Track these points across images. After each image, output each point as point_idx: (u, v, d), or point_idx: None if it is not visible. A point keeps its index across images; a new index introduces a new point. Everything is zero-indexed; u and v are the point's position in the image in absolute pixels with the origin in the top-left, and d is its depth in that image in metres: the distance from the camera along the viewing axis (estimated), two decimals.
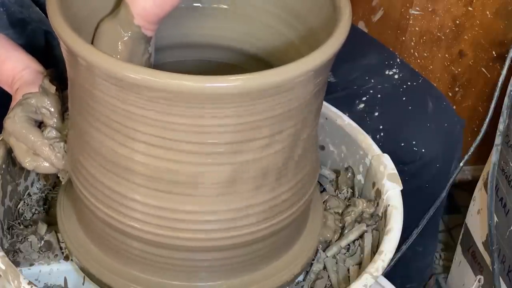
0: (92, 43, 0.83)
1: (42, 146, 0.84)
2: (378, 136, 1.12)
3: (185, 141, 0.71)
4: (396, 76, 1.17)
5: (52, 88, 0.87)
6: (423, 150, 1.13)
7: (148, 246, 0.79)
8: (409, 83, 1.17)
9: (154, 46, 0.86)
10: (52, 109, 0.86)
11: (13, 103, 0.88)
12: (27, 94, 0.87)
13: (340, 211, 0.98)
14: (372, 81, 1.17)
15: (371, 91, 1.16)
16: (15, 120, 0.84)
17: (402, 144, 1.12)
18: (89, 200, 0.80)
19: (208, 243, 0.78)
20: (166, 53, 0.93)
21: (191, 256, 0.80)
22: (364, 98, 1.15)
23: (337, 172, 1.06)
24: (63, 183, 0.88)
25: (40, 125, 0.87)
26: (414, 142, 1.13)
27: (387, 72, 1.18)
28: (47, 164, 0.85)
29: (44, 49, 1.04)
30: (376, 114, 1.14)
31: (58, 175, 0.88)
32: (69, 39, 0.71)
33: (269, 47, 0.93)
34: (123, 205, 0.77)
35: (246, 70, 0.92)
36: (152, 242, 0.78)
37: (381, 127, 1.13)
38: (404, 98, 1.15)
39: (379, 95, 1.15)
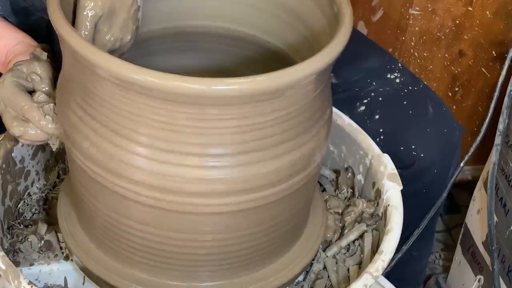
0: None
1: (30, 109, 0.81)
2: (377, 139, 1.12)
3: (187, 142, 0.71)
4: (397, 80, 1.17)
5: (44, 55, 0.85)
6: (421, 155, 1.13)
7: (150, 209, 0.76)
8: (410, 88, 1.17)
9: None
10: (43, 75, 0.84)
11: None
12: (18, 62, 0.85)
13: (340, 211, 0.98)
14: (374, 83, 1.17)
15: (372, 94, 1.16)
16: (4, 85, 0.82)
17: (401, 148, 1.13)
18: (84, 164, 0.77)
19: (211, 208, 0.76)
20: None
21: (196, 219, 0.77)
22: (365, 101, 1.15)
23: (337, 172, 1.06)
24: (53, 149, 0.85)
25: (31, 94, 0.84)
26: (413, 147, 1.13)
27: (388, 76, 1.18)
28: (37, 132, 0.82)
29: (46, 41, 1.03)
30: (377, 117, 1.14)
31: (49, 142, 0.84)
32: (72, 40, 0.71)
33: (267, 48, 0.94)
34: (123, 167, 0.75)
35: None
36: (155, 206, 0.75)
37: (381, 130, 1.13)
38: (404, 102, 1.15)
39: (380, 98, 1.15)
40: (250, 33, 0.95)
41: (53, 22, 0.73)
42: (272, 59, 0.94)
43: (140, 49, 0.93)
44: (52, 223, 0.95)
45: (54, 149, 0.85)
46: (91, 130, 0.75)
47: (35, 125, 0.81)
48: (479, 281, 1.37)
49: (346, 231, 0.96)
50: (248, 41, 0.95)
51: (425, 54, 1.53)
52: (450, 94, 1.59)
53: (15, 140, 0.94)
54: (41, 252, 0.92)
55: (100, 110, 0.73)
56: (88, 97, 0.74)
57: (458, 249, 1.52)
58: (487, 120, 1.17)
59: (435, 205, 1.18)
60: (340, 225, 0.96)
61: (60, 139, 0.82)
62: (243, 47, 0.96)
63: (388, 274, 1.06)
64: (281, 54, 0.93)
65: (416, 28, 1.49)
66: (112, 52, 0.84)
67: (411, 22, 1.48)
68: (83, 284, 0.92)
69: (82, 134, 0.76)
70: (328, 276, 0.93)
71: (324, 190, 1.05)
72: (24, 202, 0.99)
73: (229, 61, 0.98)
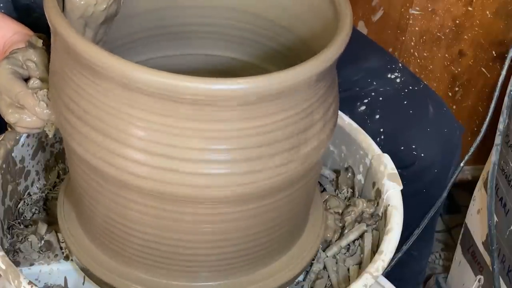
0: None
1: (25, 96, 0.80)
2: (378, 139, 1.12)
3: (186, 141, 0.71)
4: (398, 80, 1.17)
5: (39, 42, 0.85)
6: (422, 155, 1.13)
7: (148, 199, 0.75)
8: (410, 88, 1.17)
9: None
10: (38, 61, 0.84)
11: None
12: (14, 50, 0.85)
13: (340, 211, 0.98)
14: (374, 83, 1.17)
15: (373, 94, 1.16)
16: None
17: (402, 148, 1.13)
18: (81, 151, 0.76)
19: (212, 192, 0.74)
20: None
21: (195, 219, 0.77)
22: (365, 100, 1.15)
23: (337, 172, 1.06)
24: (49, 136, 0.85)
25: (27, 81, 0.84)
26: (413, 146, 1.13)
27: (389, 76, 1.18)
28: (32, 119, 0.81)
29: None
30: (377, 116, 1.14)
31: (45, 129, 0.84)
32: (73, 40, 0.70)
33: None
34: (120, 156, 0.73)
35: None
36: (154, 192, 0.74)
37: (381, 130, 1.13)
38: (405, 102, 1.15)
39: (380, 98, 1.15)
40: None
41: (52, 24, 0.73)
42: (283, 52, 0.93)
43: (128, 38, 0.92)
44: (52, 223, 0.94)
45: (50, 136, 0.85)
46: (85, 125, 0.74)
47: (31, 112, 0.81)
48: (479, 281, 1.37)
49: (346, 231, 0.95)
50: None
51: (425, 54, 1.53)
52: (450, 94, 1.59)
53: (15, 140, 0.94)
54: (41, 252, 0.92)
55: (94, 107, 0.73)
56: (81, 95, 0.73)
57: (458, 249, 1.52)
58: (487, 120, 1.17)
59: (435, 205, 1.18)
60: (340, 225, 0.96)
61: (55, 125, 0.82)
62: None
63: (388, 274, 1.06)
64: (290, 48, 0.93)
65: (416, 28, 1.49)
66: (86, 20, 0.81)
67: (411, 22, 1.48)
68: (83, 284, 0.92)
69: (76, 129, 0.75)
70: (328, 276, 0.93)
71: (324, 190, 1.05)
72: (24, 202, 0.99)
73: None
